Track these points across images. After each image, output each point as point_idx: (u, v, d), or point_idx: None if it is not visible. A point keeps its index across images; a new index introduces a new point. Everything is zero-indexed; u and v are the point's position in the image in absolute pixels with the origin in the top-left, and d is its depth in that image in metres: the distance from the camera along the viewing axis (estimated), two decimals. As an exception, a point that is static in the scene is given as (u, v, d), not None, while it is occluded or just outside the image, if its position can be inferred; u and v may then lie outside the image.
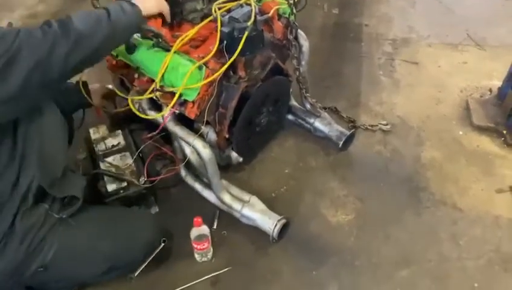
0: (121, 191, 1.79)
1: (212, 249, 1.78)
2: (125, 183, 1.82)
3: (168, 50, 1.61)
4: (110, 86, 2.04)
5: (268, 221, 1.75)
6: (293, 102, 2.32)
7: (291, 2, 1.86)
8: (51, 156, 1.44)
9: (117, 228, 1.60)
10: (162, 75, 1.61)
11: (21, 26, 3.23)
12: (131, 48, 1.66)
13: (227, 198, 1.83)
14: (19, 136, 1.32)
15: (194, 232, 1.69)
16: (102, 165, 1.88)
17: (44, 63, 1.17)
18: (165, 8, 1.62)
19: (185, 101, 1.65)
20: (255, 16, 1.67)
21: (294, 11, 1.91)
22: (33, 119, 1.35)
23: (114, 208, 1.73)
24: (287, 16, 1.94)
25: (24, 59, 1.14)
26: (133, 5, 1.45)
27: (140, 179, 1.82)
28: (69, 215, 1.47)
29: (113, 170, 1.86)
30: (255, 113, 1.95)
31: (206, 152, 1.70)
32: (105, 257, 1.55)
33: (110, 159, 1.91)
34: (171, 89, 1.61)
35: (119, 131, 2.06)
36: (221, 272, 1.73)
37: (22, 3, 3.53)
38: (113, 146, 1.98)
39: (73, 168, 1.75)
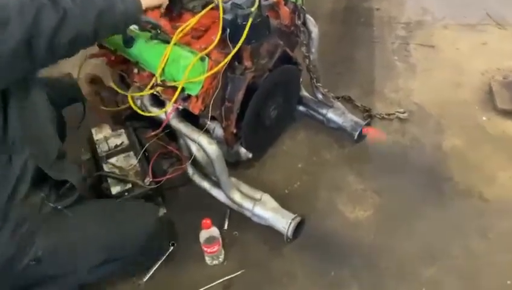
0: (126, 193, 1.71)
1: (223, 251, 1.69)
2: (129, 185, 1.73)
3: (168, 42, 1.51)
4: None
5: (281, 220, 1.65)
6: (304, 92, 2.20)
7: (298, -16, 1.75)
8: (43, 136, 1.39)
9: (114, 217, 1.53)
10: (163, 69, 1.52)
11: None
12: (129, 41, 1.57)
13: (237, 197, 1.73)
14: (9, 115, 1.24)
15: (204, 234, 1.60)
16: (105, 167, 1.80)
17: (31, 32, 1.09)
18: (166, 2, 1.53)
19: (189, 96, 1.56)
20: (259, 1, 1.55)
21: None
22: (21, 98, 1.27)
23: (113, 200, 1.64)
24: (294, 0, 1.82)
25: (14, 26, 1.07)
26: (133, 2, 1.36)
27: (146, 180, 1.73)
28: (65, 206, 1.41)
29: (117, 171, 1.78)
30: (264, 106, 1.84)
31: (212, 149, 1.60)
32: (101, 246, 1.46)
33: (113, 160, 1.83)
34: (172, 84, 1.51)
35: (122, 130, 1.97)
36: (233, 275, 1.64)
37: None
38: (116, 146, 1.89)
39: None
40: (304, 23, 1.92)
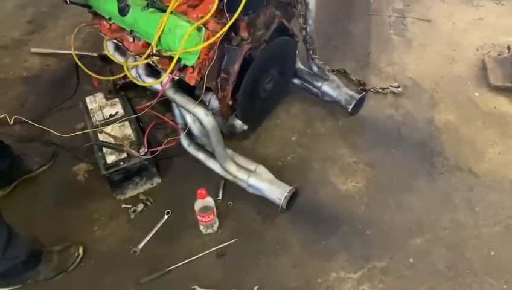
0: (121, 163, 1.73)
1: (217, 221, 1.72)
2: (124, 155, 1.74)
3: (164, 10, 1.48)
4: None
5: (276, 190, 1.68)
6: (299, 65, 2.18)
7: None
8: None
9: None
10: (159, 39, 1.48)
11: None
12: (124, 9, 1.53)
13: (232, 168, 1.75)
14: None
15: (199, 204, 1.62)
16: (100, 136, 1.80)
17: None
18: None
19: (185, 66, 1.53)
20: None
21: None
22: None
23: None
24: (291, -30, 1.79)
25: None
26: None
27: (141, 150, 1.74)
28: None
29: (112, 140, 1.78)
30: (259, 78, 1.84)
31: (208, 120, 1.60)
32: None
33: (108, 129, 1.83)
34: (168, 53, 1.48)
35: (117, 99, 1.96)
36: (227, 244, 1.68)
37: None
38: (111, 115, 1.90)
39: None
40: None
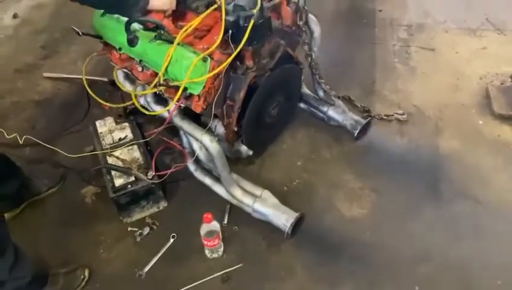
0: (129, 186, 1.75)
1: (223, 245, 1.73)
2: (132, 178, 1.77)
3: (171, 42, 1.53)
4: None
5: (281, 216, 1.69)
6: (305, 90, 2.23)
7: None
8: None
9: None
10: (166, 69, 1.53)
11: (26, 16, 3.24)
12: (133, 40, 1.59)
13: (238, 193, 1.77)
14: None
15: (204, 228, 1.64)
16: (109, 159, 1.84)
17: None
18: (173, 7, 1.60)
19: (191, 95, 1.58)
20: (262, 3, 1.57)
21: None
22: None
23: None
24: (296, 0, 1.84)
25: None
26: None
27: (149, 174, 1.77)
28: None
29: (121, 163, 1.82)
30: (265, 104, 1.88)
31: (214, 147, 1.64)
32: None
33: (117, 152, 1.87)
34: (175, 83, 1.53)
35: (126, 124, 2.01)
36: (232, 269, 1.68)
37: (27, -6, 3.48)
38: (120, 139, 1.94)
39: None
40: (306, 23, 1.94)
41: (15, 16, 3.18)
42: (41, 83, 2.67)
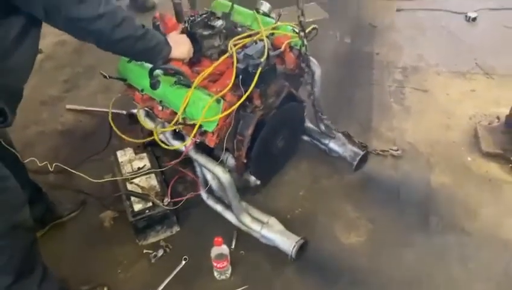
0: (147, 211, 1.92)
1: (230, 268, 1.87)
2: (150, 204, 1.94)
3: (189, 85, 1.74)
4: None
5: (287, 241, 1.86)
6: (309, 124, 2.43)
7: (302, 34, 1.97)
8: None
9: None
10: (184, 109, 1.74)
11: (51, 52, 3.49)
12: (155, 84, 1.80)
13: (247, 219, 1.94)
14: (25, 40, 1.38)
15: (215, 251, 1.79)
16: (129, 186, 2.02)
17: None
18: (190, 55, 1.82)
19: (205, 131, 1.77)
20: (268, 52, 1.80)
21: (305, 42, 2.00)
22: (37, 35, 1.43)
23: None
24: (298, 47, 2.04)
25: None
26: (167, 47, 1.66)
27: (165, 200, 1.94)
28: None
29: (139, 190, 1.99)
30: (271, 138, 2.07)
31: (226, 177, 1.82)
32: None
33: (136, 180, 2.05)
34: (192, 122, 1.73)
35: (145, 154, 2.20)
36: None
37: (51, 31, 3.72)
38: (139, 168, 2.12)
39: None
40: (308, 66, 2.13)
41: (40, 52, 3.41)
42: (64, 114, 2.88)
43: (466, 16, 3.78)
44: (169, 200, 1.94)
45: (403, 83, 3.06)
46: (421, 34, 3.63)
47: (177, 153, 2.04)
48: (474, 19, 3.74)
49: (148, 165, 2.13)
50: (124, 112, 2.65)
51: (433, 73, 3.15)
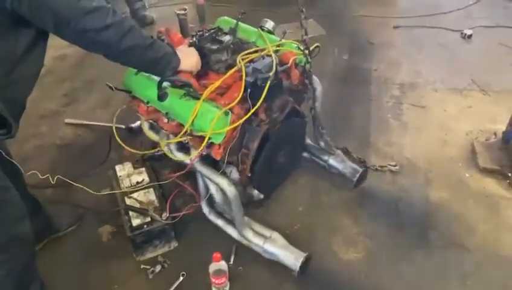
0: (145, 226, 1.91)
1: (229, 284, 1.86)
2: (148, 219, 1.94)
3: (197, 98, 1.75)
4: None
5: (290, 256, 1.85)
6: (309, 141, 2.45)
7: (307, 52, 2.01)
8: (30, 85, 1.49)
9: None
10: (192, 121, 1.74)
11: (51, 66, 3.51)
12: (163, 96, 1.81)
13: (249, 234, 1.94)
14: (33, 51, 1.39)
15: (213, 266, 1.78)
16: (127, 201, 2.01)
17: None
18: (198, 68, 1.83)
19: (212, 144, 1.77)
20: (276, 67, 1.82)
21: (309, 60, 2.04)
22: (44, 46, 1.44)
23: None
24: (302, 64, 2.08)
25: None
26: (176, 58, 1.68)
27: (163, 215, 1.93)
28: None
29: (138, 205, 1.99)
30: (275, 153, 2.07)
31: (231, 190, 1.82)
32: None
33: (134, 195, 2.04)
34: (200, 134, 1.74)
35: (143, 168, 2.20)
36: (237, 306, 1.81)
37: (52, 45, 3.75)
38: (137, 183, 2.12)
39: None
40: (310, 82, 2.16)
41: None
42: (62, 128, 2.89)
43: (462, 33, 3.84)
44: (167, 215, 1.94)
45: (400, 99, 3.09)
46: (418, 51, 3.68)
47: (176, 167, 2.05)
48: (470, 36, 3.80)
49: (147, 179, 2.13)
50: (123, 126, 2.66)
51: (430, 89, 3.18)
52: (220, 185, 1.83)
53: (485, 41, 3.76)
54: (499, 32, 3.88)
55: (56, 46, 3.63)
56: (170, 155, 1.90)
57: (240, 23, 2.16)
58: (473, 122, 2.80)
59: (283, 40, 2.11)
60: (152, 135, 2.00)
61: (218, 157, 1.77)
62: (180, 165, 1.95)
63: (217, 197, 1.96)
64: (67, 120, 2.94)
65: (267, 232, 1.96)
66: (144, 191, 2.06)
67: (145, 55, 1.56)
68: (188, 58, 1.77)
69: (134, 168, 2.20)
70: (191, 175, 2.05)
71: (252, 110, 1.75)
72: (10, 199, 1.44)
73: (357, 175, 2.27)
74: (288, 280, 1.88)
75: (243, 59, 1.87)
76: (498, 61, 3.47)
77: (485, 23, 3.97)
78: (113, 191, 2.07)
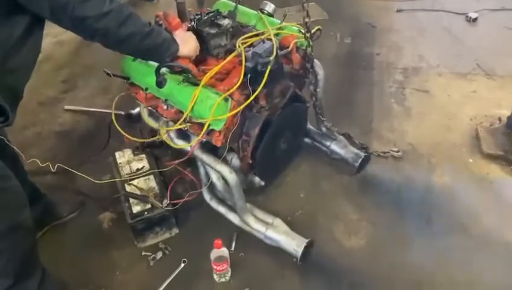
0: (146, 213, 1.90)
1: (230, 270, 1.85)
2: (149, 206, 1.92)
3: (196, 84, 1.72)
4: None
5: (292, 242, 1.84)
6: (310, 126, 2.42)
7: (308, 35, 1.96)
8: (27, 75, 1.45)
9: None
10: (191, 107, 1.71)
11: (49, 52, 3.46)
12: (161, 82, 1.78)
13: (251, 220, 1.92)
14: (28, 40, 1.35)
15: (214, 253, 1.77)
16: (127, 188, 2.00)
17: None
18: (197, 53, 1.79)
19: (212, 130, 1.75)
20: (277, 51, 1.78)
21: (310, 43, 2.00)
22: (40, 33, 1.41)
23: None
24: (304, 48, 2.04)
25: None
26: (174, 44, 1.64)
27: (164, 202, 1.92)
28: None
29: (138, 192, 1.97)
30: (276, 139, 2.05)
31: (232, 177, 1.80)
32: None
33: (135, 181, 2.03)
34: (199, 120, 1.71)
35: (143, 155, 2.18)
36: (239, 292, 1.80)
37: (50, 32, 3.72)
38: (137, 169, 2.10)
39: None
40: (312, 66, 2.11)
41: (39, 52, 3.41)
42: (62, 115, 2.86)
43: (467, 17, 3.78)
44: (168, 201, 1.92)
45: (403, 83, 3.05)
46: (421, 35, 3.63)
47: (176, 154, 2.02)
48: (474, 20, 3.74)
49: (147, 166, 2.11)
50: (123, 113, 2.63)
51: (434, 74, 3.14)
52: (221, 173, 1.80)
53: (490, 24, 3.70)
54: (504, 15, 3.81)
55: (54, 33, 3.58)
56: (170, 143, 1.87)
57: (239, 5, 2.11)
58: (477, 107, 2.77)
59: (284, 23, 2.06)
60: (151, 122, 1.98)
61: (218, 145, 1.74)
62: (181, 152, 1.93)
63: (218, 184, 1.94)
64: (67, 107, 2.91)
65: (269, 218, 1.95)
66: (144, 178, 2.05)
67: (143, 43, 1.53)
68: (187, 44, 1.72)
69: (135, 155, 2.18)
70: (191, 162, 2.03)
71: (253, 97, 1.71)
72: (10, 188, 1.43)
73: (359, 160, 2.24)
74: (290, 266, 1.87)
75: (242, 43, 1.83)
76: (503, 45, 3.42)
77: (490, 6, 3.90)
78: (113, 180, 2.05)
